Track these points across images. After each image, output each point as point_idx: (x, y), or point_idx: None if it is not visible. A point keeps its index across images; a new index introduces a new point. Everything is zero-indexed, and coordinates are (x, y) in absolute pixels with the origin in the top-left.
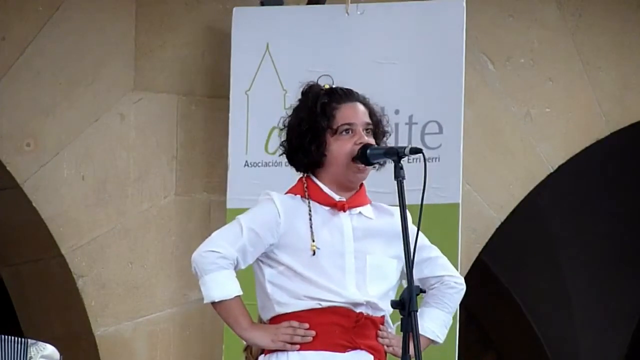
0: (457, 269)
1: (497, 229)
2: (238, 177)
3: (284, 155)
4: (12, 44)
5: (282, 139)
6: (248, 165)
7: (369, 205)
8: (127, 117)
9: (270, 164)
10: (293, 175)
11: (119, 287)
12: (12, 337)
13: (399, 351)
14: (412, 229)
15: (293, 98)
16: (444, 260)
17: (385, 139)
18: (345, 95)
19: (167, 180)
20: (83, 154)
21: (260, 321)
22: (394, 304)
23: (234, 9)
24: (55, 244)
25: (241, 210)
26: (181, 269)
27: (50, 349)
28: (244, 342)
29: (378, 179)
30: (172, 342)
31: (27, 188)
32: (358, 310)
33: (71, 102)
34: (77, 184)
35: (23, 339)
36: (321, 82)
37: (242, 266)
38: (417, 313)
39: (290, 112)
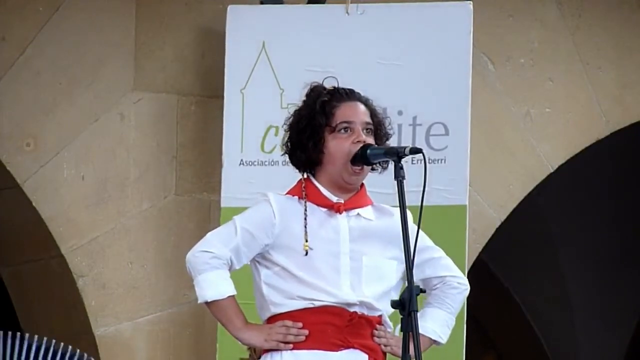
0: (464, 271)
1: (497, 229)
2: (233, 175)
3: (286, 155)
4: (12, 44)
5: (285, 140)
6: (243, 164)
7: (369, 207)
8: (127, 117)
9: (267, 163)
10: (289, 175)
11: (119, 287)
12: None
13: (398, 351)
14: (412, 228)
15: (290, 97)
16: (447, 260)
17: (387, 141)
18: (347, 94)
19: (167, 180)
20: (83, 154)
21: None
22: (394, 304)
23: (229, 6)
24: (55, 244)
25: (236, 210)
26: (181, 269)
27: None
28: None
29: (378, 179)
30: (172, 342)
31: (27, 188)
32: (352, 310)
33: (71, 102)
34: (77, 184)
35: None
36: (326, 84)
37: (237, 266)
38: (419, 313)
39: (292, 112)
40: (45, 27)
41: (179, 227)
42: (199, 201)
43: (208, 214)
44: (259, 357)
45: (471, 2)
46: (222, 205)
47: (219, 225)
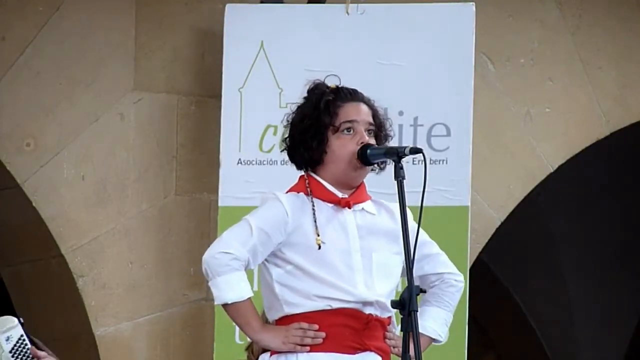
0: (465, 272)
1: (497, 229)
2: (231, 175)
3: (286, 152)
4: (12, 44)
5: (285, 136)
6: (241, 163)
7: (369, 202)
8: (127, 117)
9: (265, 162)
10: (288, 174)
11: (119, 287)
12: None
13: None
14: (412, 227)
15: (289, 97)
16: (444, 257)
17: (387, 142)
18: (350, 94)
19: (167, 180)
20: (83, 154)
21: (266, 321)
22: (394, 304)
23: (227, 5)
24: (55, 244)
25: (234, 209)
26: (181, 269)
27: (6, 320)
28: (236, 340)
29: (378, 179)
30: (172, 342)
31: (27, 188)
32: (367, 312)
33: (71, 102)
34: (77, 184)
35: None
36: (328, 82)
37: (252, 266)
38: (419, 312)
39: (293, 109)
40: (45, 27)
41: (179, 227)
42: (199, 201)
43: (208, 214)
44: (257, 358)
45: (474, 4)
46: (220, 204)
47: (218, 225)
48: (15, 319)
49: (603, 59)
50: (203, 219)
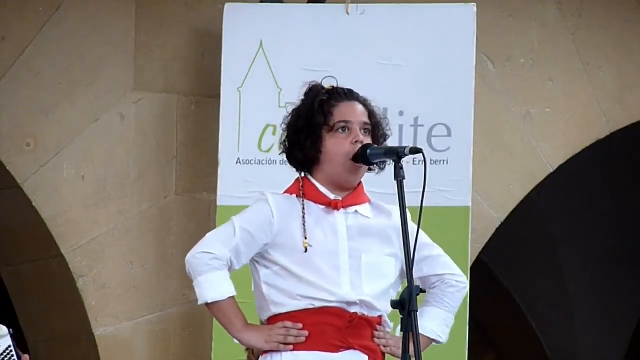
0: (466, 273)
1: (497, 229)
2: (229, 174)
3: (284, 154)
4: (12, 44)
5: (282, 138)
6: (240, 163)
7: (367, 204)
8: (127, 117)
9: (264, 161)
10: (287, 174)
11: (119, 287)
12: None
13: (397, 351)
14: (412, 228)
15: (288, 96)
16: (446, 258)
17: (384, 142)
18: (345, 94)
19: (167, 180)
20: (83, 154)
21: (260, 322)
22: (394, 304)
23: (226, 4)
24: (55, 244)
25: (232, 208)
26: (181, 269)
27: None
28: (234, 340)
29: (378, 179)
30: (172, 342)
31: (27, 188)
32: (352, 310)
33: (71, 102)
34: (77, 184)
35: None
36: (325, 83)
37: (237, 267)
38: (418, 313)
39: (289, 111)
40: (45, 27)
41: (179, 227)
42: (199, 201)
43: (208, 214)
44: (257, 359)
45: (475, 4)
46: (219, 204)
47: (216, 225)
48: (6, 329)
49: (603, 59)
50: (203, 219)
